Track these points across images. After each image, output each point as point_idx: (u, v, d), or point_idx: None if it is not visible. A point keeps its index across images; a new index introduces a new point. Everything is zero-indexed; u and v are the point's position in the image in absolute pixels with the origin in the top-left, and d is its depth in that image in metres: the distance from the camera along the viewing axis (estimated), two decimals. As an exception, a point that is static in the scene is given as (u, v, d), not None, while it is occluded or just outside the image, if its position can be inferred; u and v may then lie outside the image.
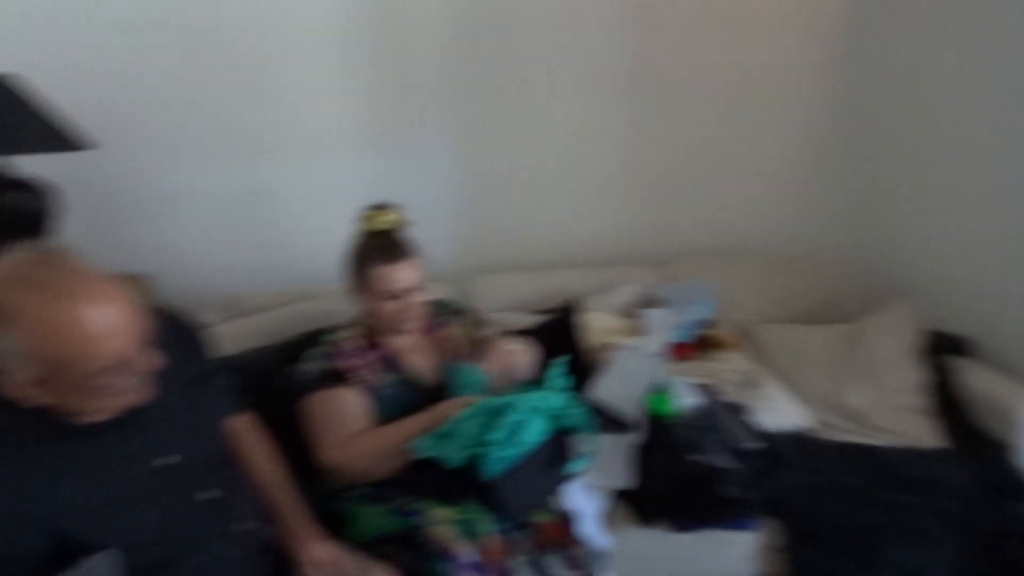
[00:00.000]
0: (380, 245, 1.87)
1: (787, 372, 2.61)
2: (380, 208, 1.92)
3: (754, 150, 3.15)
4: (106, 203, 2.68)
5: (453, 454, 1.69)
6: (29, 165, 2.25)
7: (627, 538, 2.01)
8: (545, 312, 2.57)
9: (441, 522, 1.72)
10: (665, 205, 3.14)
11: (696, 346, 2.54)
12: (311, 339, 1.99)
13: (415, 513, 1.76)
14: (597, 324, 2.50)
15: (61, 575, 1.19)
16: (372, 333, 1.94)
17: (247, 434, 1.67)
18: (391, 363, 1.91)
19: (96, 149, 2.29)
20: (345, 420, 1.82)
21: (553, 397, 1.79)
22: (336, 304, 2.54)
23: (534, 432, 1.71)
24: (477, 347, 1.99)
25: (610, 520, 2.01)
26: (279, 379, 2.01)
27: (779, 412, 2.37)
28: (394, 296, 1.84)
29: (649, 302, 2.70)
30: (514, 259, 3.02)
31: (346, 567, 1.51)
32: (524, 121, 2.97)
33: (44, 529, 1.17)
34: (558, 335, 2.34)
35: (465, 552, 1.66)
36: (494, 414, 1.70)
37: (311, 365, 1.88)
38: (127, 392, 1.23)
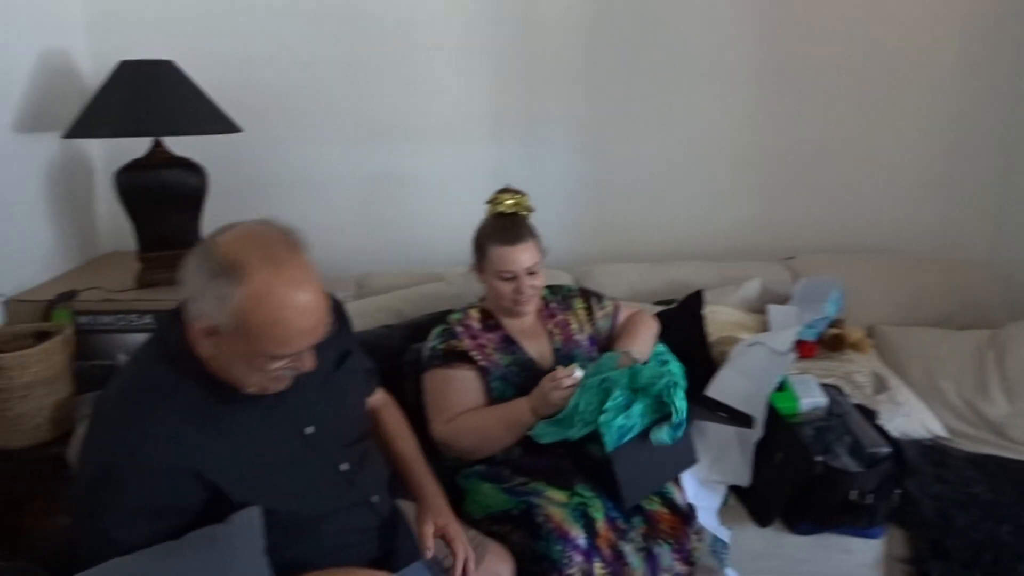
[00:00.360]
0: (501, 227, 1.95)
1: (918, 377, 2.50)
2: (505, 192, 2.01)
3: (890, 144, 3.02)
4: (246, 182, 2.83)
5: (573, 433, 1.72)
6: (178, 146, 2.42)
7: (741, 536, 1.98)
8: (665, 303, 2.56)
9: (555, 504, 1.75)
10: (791, 199, 3.06)
11: (823, 345, 2.47)
12: (438, 320, 2.06)
13: (529, 493, 1.79)
14: (721, 318, 2.47)
15: (210, 528, 1.27)
16: (492, 314, 2.00)
17: (385, 409, 1.74)
18: (509, 344, 1.96)
19: (243, 132, 2.42)
20: (457, 398, 1.89)
21: (651, 373, 1.77)
22: (461, 286, 2.60)
23: (640, 409, 1.73)
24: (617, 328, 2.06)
25: (723, 517, 1.99)
26: (405, 357, 2.09)
27: (909, 418, 2.28)
28: (510, 277, 1.91)
29: (775, 298, 2.63)
30: (633, 250, 3.00)
31: (460, 545, 1.56)
32: (650, 111, 2.95)
33: (201, 482, 1.25)
34: (683, 325, 2.32)
35: (579, 535, 1.69)
36: (603, 391, 1.72)
37: (434, 343, 1.95)
38: (283, 381, 1.30)
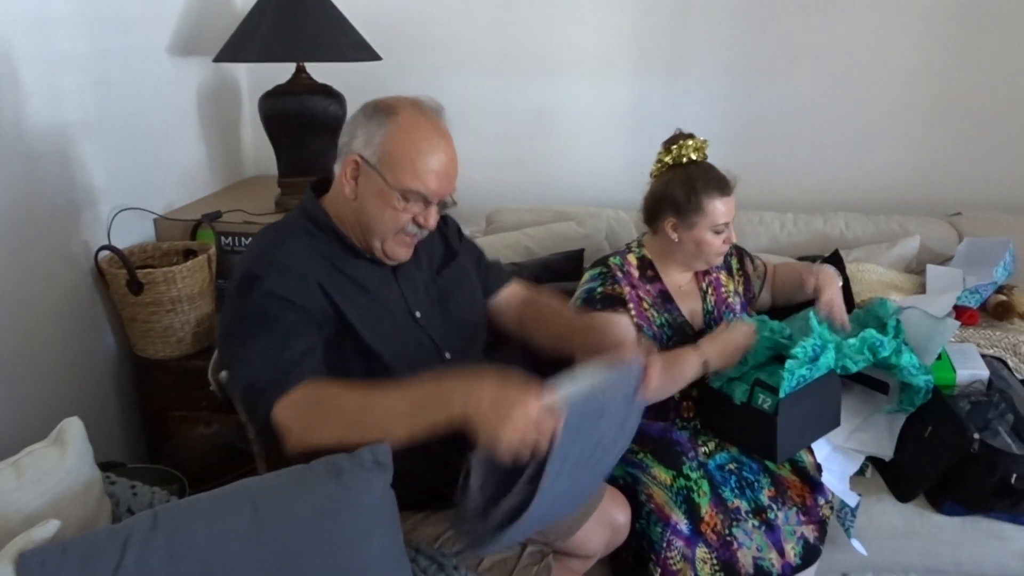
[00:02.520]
0: (714, 177, 1.81)
1: (1098, 355, 2.24)
2: (687, 137, 1.85)
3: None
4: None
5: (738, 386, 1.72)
6: (320, 73, 2.43)
7: (878, 510, 1.86)
8: (809, 259, 2.39)
9: (659, 484, 1.69)
10: (959, 149, 2.78)
11: (987, 312, 2.25)
12: (570, 259, 1.99)
13: (636, 466, 1.74)
14: (872, 277, 2.29)
15: (335, 457, 1.28)
16: (652, 264, 1.89)
17: (534, 293, 1.71)
18: (666, 301, 1.86)
19: (381, 60, 2.41)
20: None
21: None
22: (592, 226, 2.53)
23: (829, 360, 1.70)
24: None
25: (859, 488, 1.87)
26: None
27: (1082, 399, 2.05)
28: (723, 229, 1.81)
29: (936, 258, 2.41)
30: (778, 197, 2.82)
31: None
32: (805, 48, 2.73)
33: (328, 299, 1.34)
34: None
35: (680, 520, 1.63)
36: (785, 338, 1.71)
37: (593, 284, 1.85)
38: (407, 246, 1.42)
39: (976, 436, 1.73)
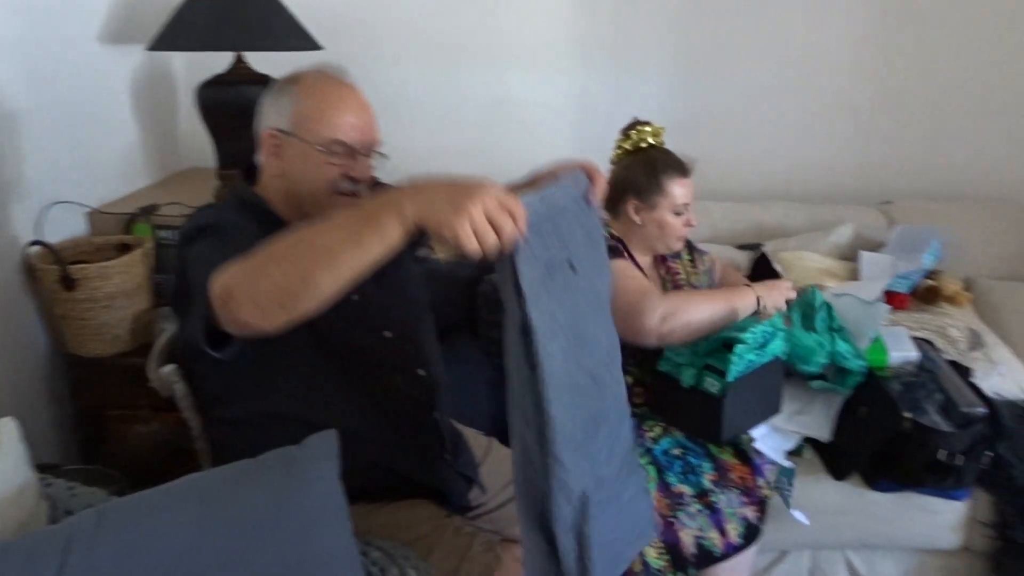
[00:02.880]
0: (674, 160, 1.89)
1: (1018, 335, 2.35)
2: (644, 124, 1.93)
3: (1002, 85, 2.79)
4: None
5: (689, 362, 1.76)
6: (259, 62, 2.38)
7: (816, 489, 1.92)
8: (750, 247, 2.45)
9: None
10: (892, 139, 2.86)
11: (916, 297, 2.33)
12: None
13: None
14: (809, 264, 2.35)
15: (284, 449, 1.26)
16: (622, 243, 1.93)
17: None
18: None
19: (323, 50, 2.37)
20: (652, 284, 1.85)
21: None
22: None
23: (777, 347, 1.74)
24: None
25: (798, 469, 1.92)
26: (480, 288, 2.04)
27: (1004, 378, 2.14)
28: (683, 211, 1.88)
29: (869, 245, 2.49)
30: (718, 187, 2.86)
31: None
32: (744, 40, 2.78)
33: None
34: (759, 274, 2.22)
35: None
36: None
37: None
38: (344, 206, 1.29)
39: (908, 415, 1.79)
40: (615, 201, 1.90)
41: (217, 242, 1.22)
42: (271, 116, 1.41)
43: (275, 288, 1.02)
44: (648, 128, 1.91)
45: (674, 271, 1.98)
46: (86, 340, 2.08)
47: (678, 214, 1.87)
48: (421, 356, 1.51)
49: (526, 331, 1.00)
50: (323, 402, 1.39)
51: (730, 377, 1.67)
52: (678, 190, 1.85)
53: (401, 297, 1.53)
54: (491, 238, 0.95)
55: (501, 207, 0.95)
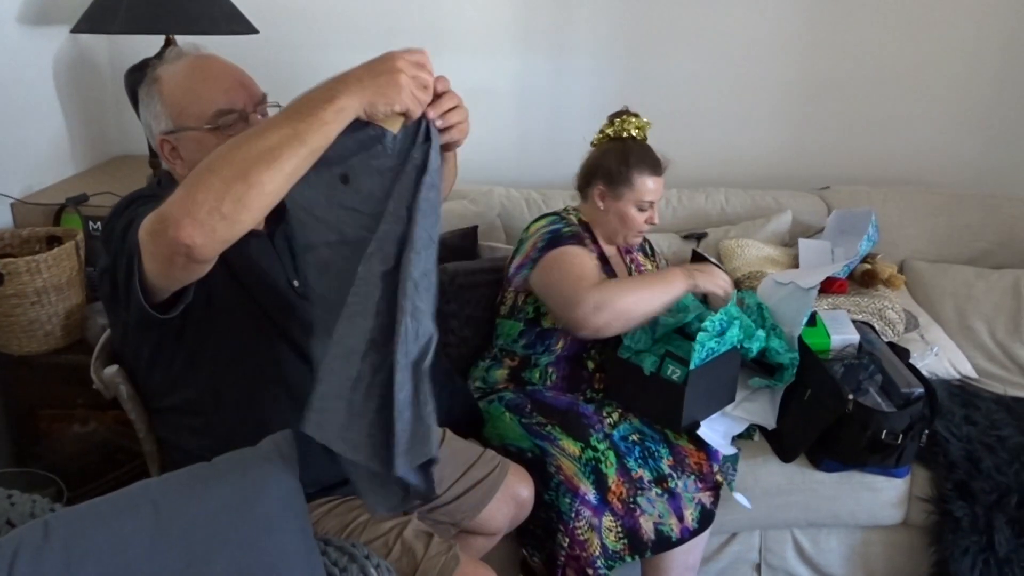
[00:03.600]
0: (648, 155, 1.89)
1: (950, 316, 2.45)
2: (630, 115, 1.94)
3: (933, 72, 2.88)
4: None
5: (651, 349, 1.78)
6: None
7: (763, 471, 1.96)
8: (696, 236, 2.48)
9: (568, 456, 1.72)
10: (828, 126, 2.93)
11: (855, 280, 2.40)
12: (466, 237, 1.99)
13: (544, 438, 1.76)
14: (751, 252, 2.39)
15: (239, 453, 1.22)
16: (591, 229, 1.95)
17: None
18: (604, 264, 1.91)
19: (258, 34, 2.30)
20: (595, 272, 1.80)
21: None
22: (484, 203, 2.52)
23: (734, 335, 1.77)
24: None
25: (746, 452, 1.96)
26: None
27: (938, 357, 2.24)
28: (648, 207, 1.88)
29: (808, 231, 2.55)
30: (662, 174, 2.90)
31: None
32: (683, 27, 2.80)
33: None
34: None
35: (588, 490, 1.66)
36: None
37: (556, 227, 1.87)
38: None
39: (850, 397, 1.84)
40: (585, 183, 1.93)
41: (149, 204, 1.14)
42: (153, 124, 1.35)
43: (215, 197, 0.98)
44: (633, 120, 1.93)
45: (638, 262, 1.99)
46: (15, 337, 1.98)
47: (641, 209, 1.88)
48: None
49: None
50: (269, 381, 1.36)
51: (693, 364, 1.69)
52: (645, 185, 1.86)
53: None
54: (425, 95, 1.07)
55: (418, 65, 1.06)
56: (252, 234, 1.33)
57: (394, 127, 1.06)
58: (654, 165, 1.87)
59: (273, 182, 0.99)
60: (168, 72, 1.33)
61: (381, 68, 1.05)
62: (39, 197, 2.23)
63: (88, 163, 2.59)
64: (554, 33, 2.79)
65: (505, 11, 2.76)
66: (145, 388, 1.39)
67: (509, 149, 2.89)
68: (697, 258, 2.22)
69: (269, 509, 1.08)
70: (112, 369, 1.36)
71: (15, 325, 1.96)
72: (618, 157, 1.87)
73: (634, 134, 1.92)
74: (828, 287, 2.31)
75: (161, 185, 1.40)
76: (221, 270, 1.17)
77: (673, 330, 1.80)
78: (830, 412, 1.86)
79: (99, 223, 2.16)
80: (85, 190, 2.25)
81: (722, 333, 1.74)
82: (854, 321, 2.12)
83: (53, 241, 2.08)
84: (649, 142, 1.97)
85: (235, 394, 1.34)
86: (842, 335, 2.05)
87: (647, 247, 2.07)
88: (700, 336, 1.68)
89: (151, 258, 1.08)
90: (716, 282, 1.83)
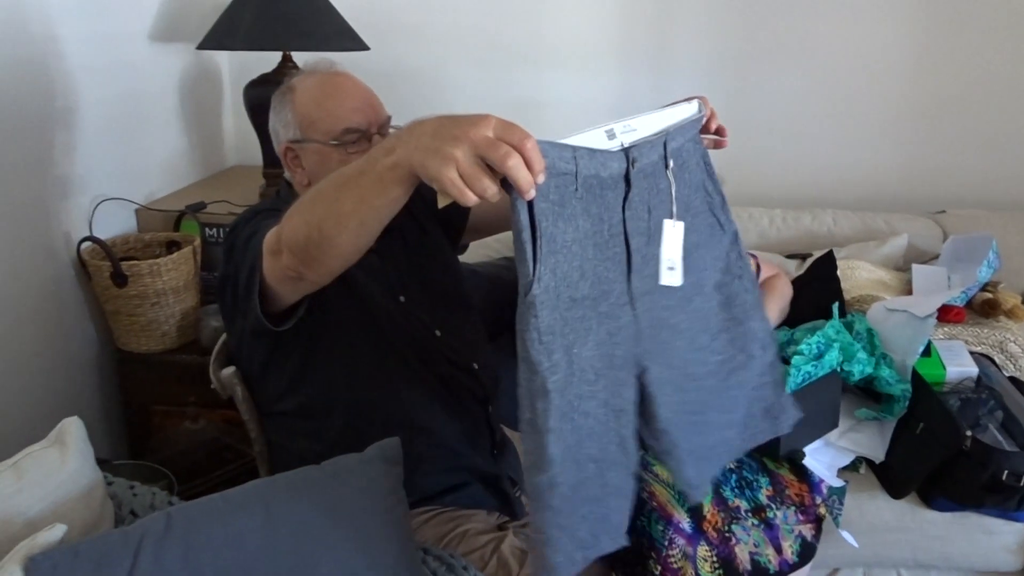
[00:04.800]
0: None
1: (1078, 351, 2.29)
2: None
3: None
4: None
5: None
6: (301, 62, 2.38)
7: (870, 506, 1.87)
8: (800, 256, 2.41)
9: (661, 482, 1.68)
10: (945, 146, 2.79)
11: (973, 309, 2.27)
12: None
13: (641, 464, 1.72)
14: (861, 275, 2.30)
15: (347, 457, 1.25)
16: None
17: None
18: None
19: (369, 50, 2.37)
20: None
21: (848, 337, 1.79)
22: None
23: (833, 358, 1.71)
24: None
25: (852, 485, 1.88)
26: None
27: (1066, 395, 2.10)
28: None
29: (922, 256, 2.44)
30: (766, 193, 2.83)
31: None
32: (792, 41, 2.73)
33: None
34: (814, 290, 2.16)
35: (683, 518, 1.62)
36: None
37: None
38: None
39: (968, 433, 1.75)
40: None
41: (272, 219, 1.18)
42: (280, 132, 1.42)
43: (304, 238, 1.00)
44: None
45: None
46: (135, 336, 2.09)
47: None
48: (472, 352, 1.51)
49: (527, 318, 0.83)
50: (379, 389, 1.39)
51: (788, 389, 1.64)
52: None
53: (445, 298, 1.53)
54: (481, 184, 0.80)
55: (496, 144, 0.80)
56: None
57: (441, 202, 0.84)
58: None
59: (344, 242, 0.98)
60: (303, 84, 1.40)
61: (452, 131, 0.83)
62: (161, 204, 2.35)
63: (206, 172, 2.72)
64: (656, 50, 2.77)
65: (609, 28, 2.76)
66: (258, 392, 1.44)
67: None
68: (824, 264, 2.13)
69: (374, 514, 1.11)
70: (229, 370, 1.41)
71: (135, 324, 2.07)
72: None
73: None
74: (944, 315, 2.19)
75: (280, 196, 1.45)
76: (335, 282, 1.21)
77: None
78: (945, 448, 1.77)
79: (215, 230, 2.26)
80: (203, 198, 2.36)
81: (819, 356, 1.68)
82: (972, 353, 2.02)
83: (172, 246, 2.19)
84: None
85: (346, 402, 1.37)
86: (959, 367, 1.95)
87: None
88: (795, 360, 1.63)
89: (268, 272, 1.14)
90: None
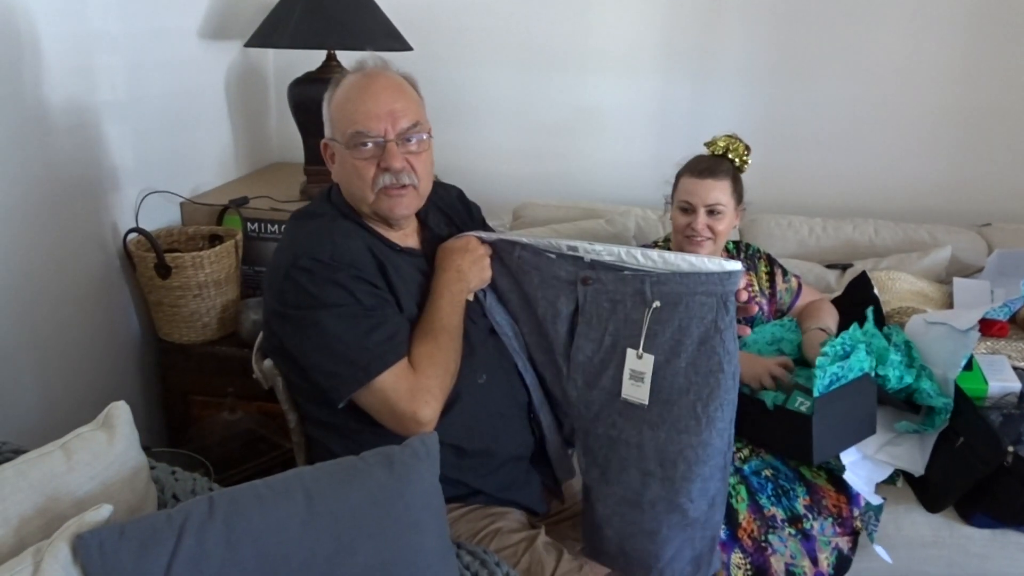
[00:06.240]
0: (699, 160, 1.88)
1: (1124, 370, 2.24)
2: (726, 136, 1.91)
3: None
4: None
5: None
6: (350, 61, 2.40)
7: (907, 521, 1.85)
8: (840, 267, 2.38)
9: None
10: (990, 158, 2.75)
11: (1016, 324, 2.23)
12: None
13: None
14: (902, 286, 2.27)
15: (386, 448, 1.26)
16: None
17: None
18: None
19: (413, 51, 2.39)
20: None
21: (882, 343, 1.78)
22: (620, 224, 2.51)
23: (860, 359, 1.68)
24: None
25: (889, 498, 1.85)
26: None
27: (1111, 414, 2.04)
28: (688, 208, 1.84)
29: (965, 269, 2.40)
30: (806, 202, 2.80)
31: None
32: (836, 50, 2.71)
33: (385, 279, 1.38)
34: (850, 312, 2.13)
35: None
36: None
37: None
38: (392, 196, 1.37)
39: (1010, 449, 1.71)
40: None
41: (351, 317, 1.29)
42: (325, 127, 1.43)
43: (439, 385, 1.33)
44: (722, 141, 1.88)
45: (746, 283, 1.92)
46: (177, 327, 2.13)
47: (684, 211, 1.85)
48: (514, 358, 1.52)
49: None
50: None
51: (816, 392, 1.62)
52: (684, 185, 1.85)
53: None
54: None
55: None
56: (405, 252, 1.39)
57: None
58: (699, 168, 1.84)
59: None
60: (342, 83, 1.40)
61: (465, 258, 1.44)
62: (205, 198, 2.39)
63: (249, 168, 2.76)
64: (697, 55, 2.76)
65: (651, 32, 2.76)
66: (298, 393, 1.45)
67: (647, 170, 2.85)
68: (860, 284, 2.10)
69: (411, 506, 1.11)
70: (271, 362, 1.43)
71: (177, 315, 2.10)
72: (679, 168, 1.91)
73: (712, 151, 1.89)
74: (987, 329, 2.15)
75: (331, 200, 1.45)
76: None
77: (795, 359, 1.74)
78: (985, 464, 1.74)
79: (257, 224, 2.30)
80: (246, 193, 2.40)
81: (845, 356, 1.65)
82: (1016, 368, 1.98)
83: (215, 239, 2.23)
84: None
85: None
86: (1001, 382, 1.91)
87: (760, 264, 1.99)
88: (820, 360, 1.61)
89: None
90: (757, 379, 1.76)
